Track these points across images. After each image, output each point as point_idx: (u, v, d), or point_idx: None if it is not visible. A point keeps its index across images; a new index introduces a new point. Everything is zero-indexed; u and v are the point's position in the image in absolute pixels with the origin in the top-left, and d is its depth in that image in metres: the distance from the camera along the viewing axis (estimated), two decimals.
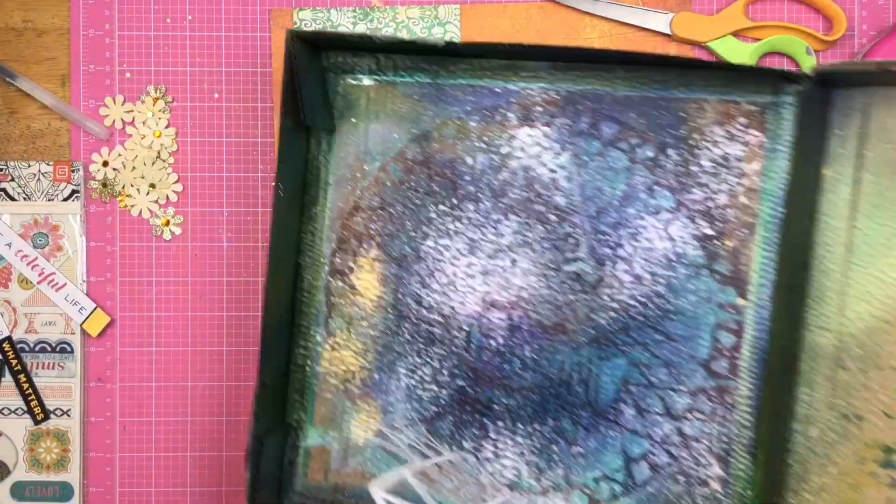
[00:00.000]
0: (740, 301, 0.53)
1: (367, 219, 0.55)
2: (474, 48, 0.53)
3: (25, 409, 0.59)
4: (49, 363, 0.59)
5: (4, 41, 0.60)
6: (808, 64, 0.57)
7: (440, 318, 0.55)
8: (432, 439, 0.55)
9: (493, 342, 0.55)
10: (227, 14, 0.60)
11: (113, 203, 0.60)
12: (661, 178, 0.53)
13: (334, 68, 0.55)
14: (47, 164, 0.59)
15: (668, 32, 0.58)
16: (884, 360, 0.51)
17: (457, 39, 0.59)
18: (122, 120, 0.60)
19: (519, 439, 0.54)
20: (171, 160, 0.60)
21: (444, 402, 0.55)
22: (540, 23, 0.59)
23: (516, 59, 0.54)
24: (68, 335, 0.59)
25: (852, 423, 0.52)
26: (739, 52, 0.58)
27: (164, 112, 0.60)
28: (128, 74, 0.60)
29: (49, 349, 0.59)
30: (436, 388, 0.55)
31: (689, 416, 0.53)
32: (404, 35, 0.59)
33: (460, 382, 0.55)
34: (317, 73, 0.54)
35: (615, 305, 0.54)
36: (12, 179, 0.59)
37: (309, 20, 0.59)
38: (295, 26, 0.59)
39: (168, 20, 0.60)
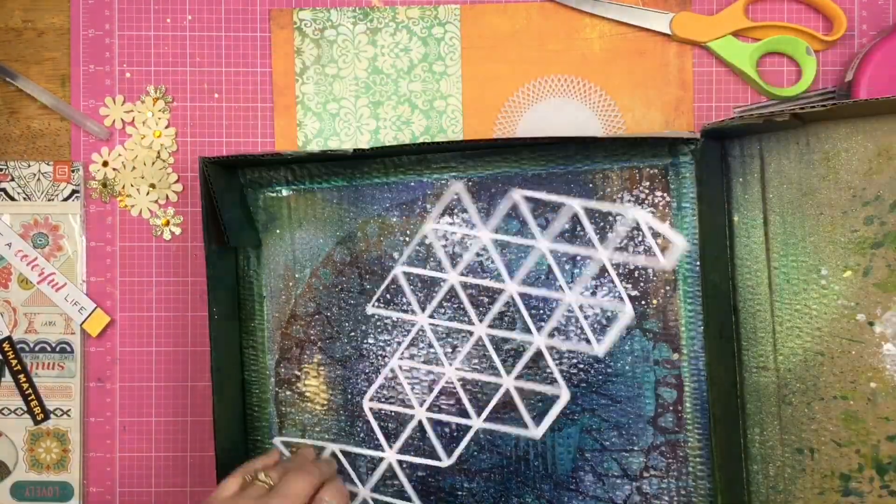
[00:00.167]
0: (675, 356, 0.54)
1: (305, 325, 0.57)
2: (382, 151, 0.55)
3: (25, 409, 0.59)
4: (49, 363, 0.59)
5: (4, 41, 0.60)
6: (809, 64, 0.57)
7: (391, 412, 0.56)
8: None
9: (446, 429, 0.56)
10: (227, 14, 0.60)
11: (113, 203, 0.60)
12: (580, 247, 0.54)
13: (252, 184, 0.57)
14: (47, 164, 0.59)
15: (668, 32, 0.58)
16: (823, 390, 0.53)
17: (457, 39, 0.59)
18: (122, 120, 0.60)
19: None
20: (171, 160, 0.60)
21: (408, 496, 0.56)
22: (540, 23, 0.59)
23: (425, 154, 0.55)
24: (68, 335, 0.59)
25: (806, 457, 0.53)
26: (739, 52, 0.58)
27: (164, 112, 0.60)
28: (128, 74, 0.60)
29: (49, 349, 0.59)
30: (398, 483, 0.56)
31: (645, 474, 0.54)
32: (404, 36, 0.59)
33: (421, 473, 0.56)
34: (236, 191, 0.56)
35: (557, 376, 0.54)
36: (12, 179, 0.59)
37: (309, 20, 0.59)
38: (295, 26, 0.59)
39: (168, 20, 0.60)
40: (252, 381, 0.57)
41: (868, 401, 0.52)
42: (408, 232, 0.56)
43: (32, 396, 0.59)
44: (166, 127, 0.59)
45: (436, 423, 0.56)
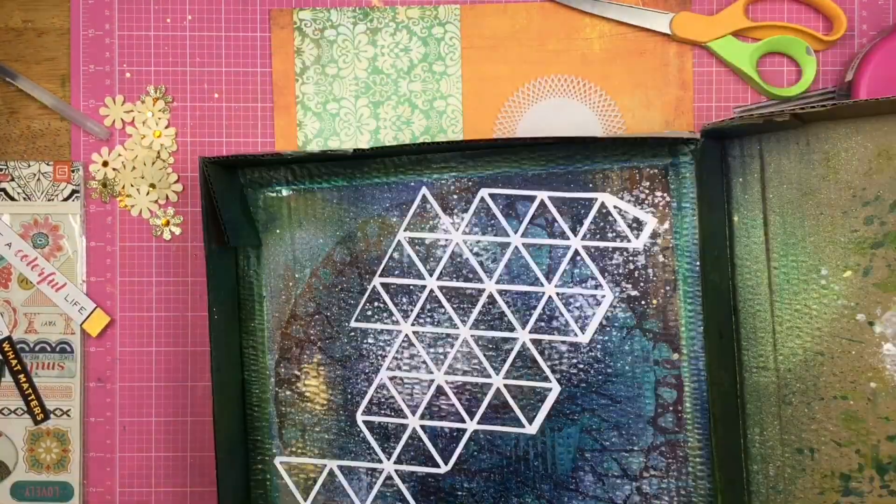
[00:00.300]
0: (674, 356, 0.54)
1: (305, 325, 0.57)
2: (382, 151, 0.54)
3: (25, 409, 0.59)
4: (49, 363, 0.59)
5: (4, 41, 0.60)
6: (809, 64, 0.57)
7: (390, 413, 0.56)
8: None
9: (445, 429, 0.56)
10: (227, 14, 0.60)
11: (113, 203, 0.60)
12: (580, 247, 0.54)
13: (252, 184, 0.57)
14: (47, 164, 0.59)
15: (668, 32, 0.58)
16: (823, 390, 0.53)
17: (457, 39, 0.59)
18: (122, 120, 0.60)
19: None
20: (171, 160, 0.60)
21: (407, 497, 0.56)
22: (540, 23, 0.59)
23: (425, 154, 0.55)
24: (68, 335, 0.59)
25: (807, 457, 0.53)
26: (739, 52, 0.58)
27: (164, 112, 0.60)
28: (128, 74, 0.60)
29: (49, 349, 0.59)
30: (396, 484, 0.56)
31: (645, 474, 0.54)
32: (404, 36, 0.59)
33: (420, 474, 0.56)
34: (236, 191, 0.56)
35: (557, 376, 0.55)
36: (12, 179, 0.59)
37: (309, 20, 0.59)
38: (295, 26, 0.59)
39: (168, 20, 0.60)
40: (252, 380, 0.57)
41: (868, 401, 0.52)
42: (407, 232, 0.56)
43: (32, 396, 0.59)
44: (166, 127, 0.59)
45: (431, 430, 0.56)
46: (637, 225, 0.54)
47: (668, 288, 0.54)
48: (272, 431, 0.57)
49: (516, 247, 0.55)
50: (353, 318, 0.56)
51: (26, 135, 0.60)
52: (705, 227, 0.53)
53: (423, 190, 0.56)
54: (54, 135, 0.60)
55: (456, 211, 0.56)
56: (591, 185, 0.55)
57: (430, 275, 0.55)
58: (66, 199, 0.59)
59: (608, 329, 0.55)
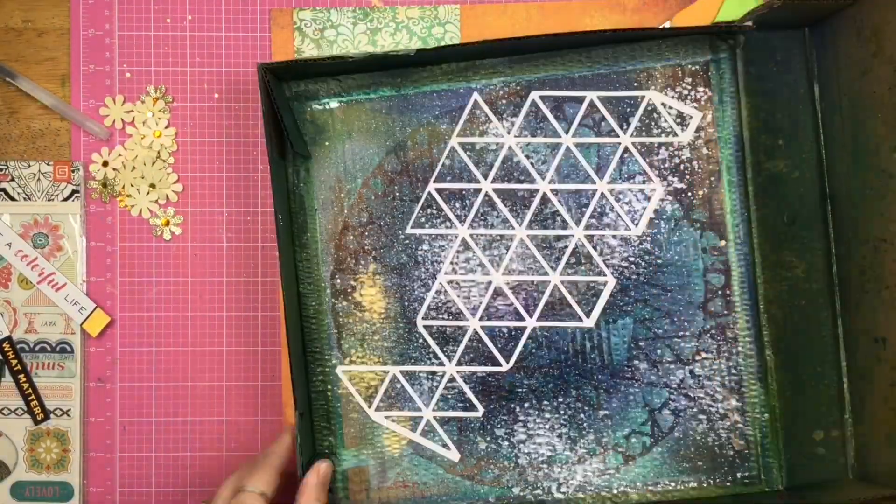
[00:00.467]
0: (721, 242, 0.56)
1: (358, 236, 0.57)
2: (437, 54, 0.55)
3: (25, 409, 0.59)
4: (49, 363, 0.59)
5: (4, 41, 0.60)
6: None
7: (449, 317, 0.56)
8: (465, 434, 0.56)
9: (504, 329, 0.56)
10: (227, 14, 0.60)
11: (113, 203, 0.60)
12: (630, 144, 0.56)
13: (298, 97, 0.57)
14: (47, 164, 0.59)
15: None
16: (888, 278, 0.52)
17: (457, 39, 0.59)
18: (122, 120, 0.60)
19: (547, 415, 0.56)
20: (171, 160, 0.60)
21: (468, 397, 0.56)
22: (540, 23, 0.59)
23: (474, 59, 0.56)
24: (68, 335, 0.59)
25: (879, 347, 0.53)
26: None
27: (164, 112, 0.60)
28: (128, 74, 0.60)
29: (49, 349, 0.59)
30: (458, 384, 0.56)
31: (697, 357, 0.56)
32: (404, 36, 0.59)
33: (482, 374, 0.56)
34: (283, 103, 0.55)
35: (611, 270, 0.56)
36: (12, 179, 0.59)
37: (309, 20, 0.59)
38: (295, 26, 0.59)
39: (168, 20, 0.60)
40: (308, 293, 0.57)
41: None
42: (457, 138, 0.57)
43: (32, 396, 0.59)
44: (166, 127, 0.59)
45: (490, 330, 0.56)
46: (681, 120, 0.56)
47: (713, 178, 0.56)
48: (331, 342, 0.57)
49: (567, 147, 0.56)
50: (409, 226, 0.57)
51: (26, 135, 0.60)
52: (753, 118, 0.55)
53: (475, 95, 0.57)
54: (54, 135, 0.60)
55: (506, 115, 0.57)
56: (636, 84, 0.56)
57: (485, 178, 0.56)
58: (66, 199, 0.59)
59: (657, 221, 0.56)
